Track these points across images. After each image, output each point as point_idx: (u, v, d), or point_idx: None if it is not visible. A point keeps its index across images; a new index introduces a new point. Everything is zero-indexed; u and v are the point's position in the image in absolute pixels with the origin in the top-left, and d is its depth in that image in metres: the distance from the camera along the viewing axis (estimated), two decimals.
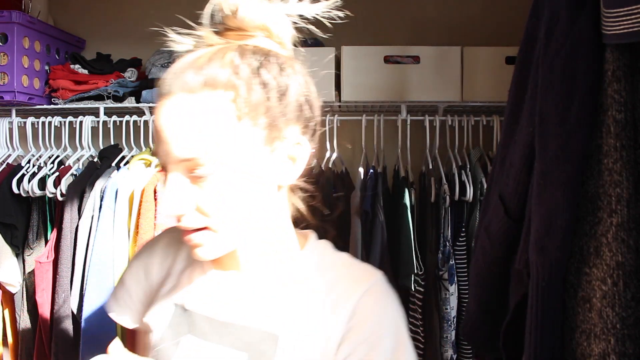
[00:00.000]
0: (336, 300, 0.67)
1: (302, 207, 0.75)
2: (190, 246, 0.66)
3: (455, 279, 1.46)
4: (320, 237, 0.77)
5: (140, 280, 0.79)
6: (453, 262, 1.46)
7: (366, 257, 1.41)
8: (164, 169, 0.65)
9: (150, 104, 1.76)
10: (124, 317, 0.80)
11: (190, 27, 0.70)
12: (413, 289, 1.43)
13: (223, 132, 0.62)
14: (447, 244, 1.47)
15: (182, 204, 0.63)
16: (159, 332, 0.72)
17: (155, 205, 1.49)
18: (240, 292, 0.71)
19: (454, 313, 1.45)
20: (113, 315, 0.81)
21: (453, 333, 1.46)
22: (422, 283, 1.43)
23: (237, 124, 0.62)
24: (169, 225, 0.81)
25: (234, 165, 0.63)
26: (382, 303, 0.69)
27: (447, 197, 1.48)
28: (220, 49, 0.65)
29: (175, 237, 0.78)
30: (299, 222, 0.75)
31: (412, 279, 1.42)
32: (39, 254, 1.63)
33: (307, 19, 0.73)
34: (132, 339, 1.43)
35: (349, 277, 0.70)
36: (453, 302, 1.45)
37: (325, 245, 0.75)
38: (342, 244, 1.45)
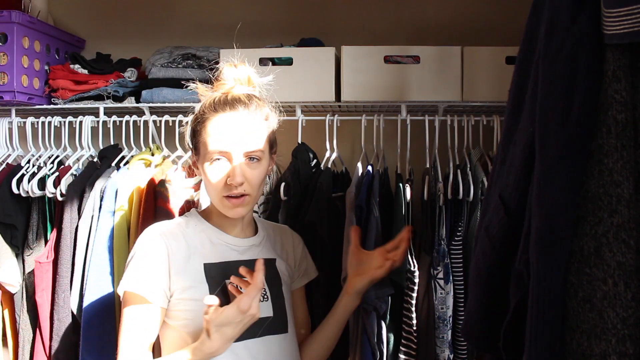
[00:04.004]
0: (285, 239, 1.30)
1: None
2: (231, 206, 1.10)
3: (451, 278, 1.46)
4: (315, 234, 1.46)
5: (166, 264, 1.08)
6: (448, 261, 1.46)
7: None
8: (225, 157, 1.09)
9: (150, 104, 1.76)
10: (160, 299, 1.07)
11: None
12: (406, 287, 1.43)
13: (265, 138, 1.14)
14: (442, 243, 1.46)
15: (243, 177, 1.08)
16: (199, 286, 1.08)
17: (156, 205, 1.49)
18: (245, 243, 1.19)
19: (449, 312, 1.45)
20: (152, 298, 1.06)
21: (449, 333, 1.45)
22: (416, 281, 1.43)
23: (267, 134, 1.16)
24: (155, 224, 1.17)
25: (266, 157, 1.15)
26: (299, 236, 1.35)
27: (441, 196, 1.48)
28: (248, 95, 1.15)
29: (164, 230, 1.13)
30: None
31: (404, 276, 1.41)
32: (39, 254, 1.63)
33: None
34: None
35: (280, 227, 1.34)
36: (449, 301, 1.45)
37: None
38: (336, 241, 1.46)
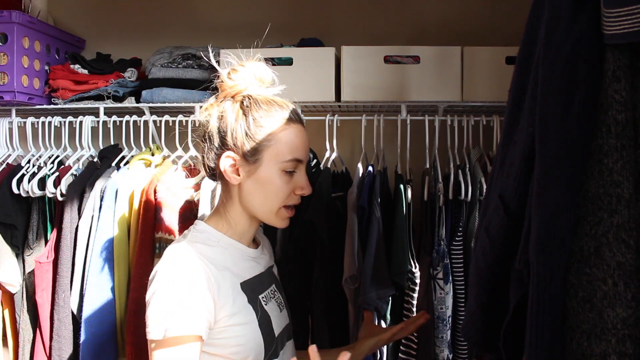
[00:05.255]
0: (265, 241, 1.25)
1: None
2: (287, 216, 1.10)
3: (451, 278, 1.46)
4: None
5: (211, 292, 0.98)
6: (448, 261, 1.46)
7: (362, 254, 1.41)
8: (293, 167, 1.07)
9: (150, 104, 1.76)
10: (206, 332, 0.97)
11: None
12: (407, 288, 1.43)
13: None
14: (442, 244, 1.46)
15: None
16: (245, 310, 1.03)
17: (155, 205, 1.49)
18: (258, 253, 1.15)
19: (449, 312, 1.45)
20: (203, 332, 0.95)
21: (449, 333, 1.45)
22: (417, 282, 1.43)
23: None
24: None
25: None
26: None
27: (441, 196, 1.48)
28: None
29: (199, 252, 1.01)
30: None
31: (405, 276, 1.42)
32: (39, 254, 1.63)
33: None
34: (131, 339, 1.43)
35: (262, 233, 1.30)
36: (448, 301, 1.45)
37: None
38: (335, 241, 1.46)
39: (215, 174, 1.11)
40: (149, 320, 0.96)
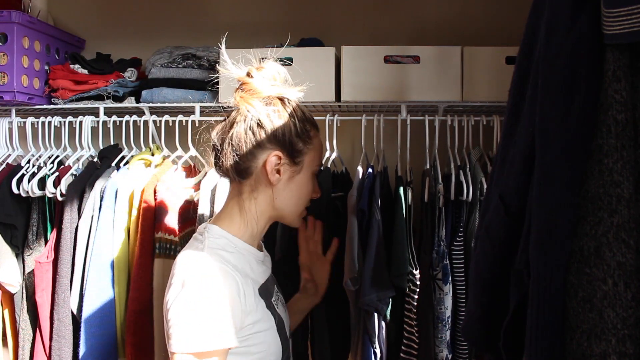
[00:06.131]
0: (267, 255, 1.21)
1: None
2: (300, 218, 1.15)
3: (450, 279, 1.46)
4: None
5: (241, 302, 0.98)
6: (447, 262, 1.46)
7: (362, 256, 1.41)
8: (313, 172, 1.12)
9: (150, 104, 1.76)
10: (234, 340, 0.95)
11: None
12: (407, 289, 1.43)
13: None
14: (442, 244, 1.46)
15: None
16: (266, 316, 1.04)
17: (155, 205, 1.49)
18: (264, 255, 1.15)
19: (448, 313, 1.45)
20: (234, 343, 0.94)
21: (448, 333, 1.45)
22: (417, 283, 1.43)
23: None
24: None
25: None
26: None
27: (441, 197, 1.48)
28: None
29: (226, 260, 1.00)
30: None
31: (406, 278, 1.42)
32: (39, 254, 1.63)
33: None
34: (131, 339, 1.43)
35: None
36: (447, 302, 1.45)
37: None
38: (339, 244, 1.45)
39: (240, 171, 1.06)
40: (175, 331, 0.91)
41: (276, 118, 1.06)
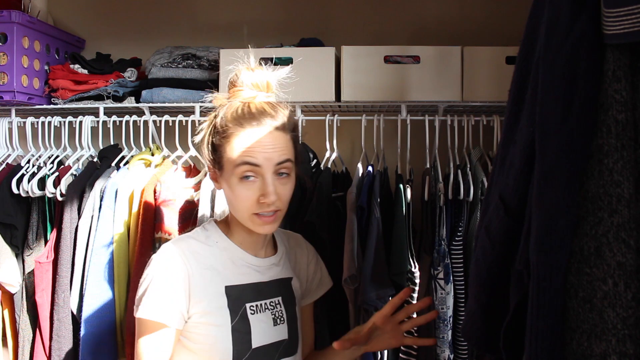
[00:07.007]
0: (300, 251, 1.24)
1: None
2: (262, 223, 1.03)
3: (451, 278, 1.46)
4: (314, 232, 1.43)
5: (185, 287, 1.03)
6: (449, 261, 1.46)
7: (362, 254, 1.41)
8: (249, 172, 1.02)
9: (150, 104, 1.76)
10: (178, 322, 1.02)
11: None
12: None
13: (294, 150, 1.08)
14: (443, 243, 1.46)
15: (276, 194, 1.02)
16: (220, 312, 1.04)
17: (155, 205, 1.49)
18: (266, 263, 1.13)
19: (450, 313, 1.45)
20: (169, 322, 1.01)
21: (450, 333, 1.45)
22: (417, 282, 1.43)
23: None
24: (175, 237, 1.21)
25: (294, 169, 1.07)
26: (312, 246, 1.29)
27: (442, 196, 1.48)
28: (273, 105, 1.06)
29: (184, 249, 1.06)
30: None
31: (405, 276, 1.41)
32: (39, 254, 1.63)
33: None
34: (131, 339, 1.43)
35: (295, 238, 1.26)
36: (449, 301, 1.45)
37: None
38: (335, 241, 1.45)
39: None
40: (136, 300, 1.04)
41: (205, 126, 1.10)
